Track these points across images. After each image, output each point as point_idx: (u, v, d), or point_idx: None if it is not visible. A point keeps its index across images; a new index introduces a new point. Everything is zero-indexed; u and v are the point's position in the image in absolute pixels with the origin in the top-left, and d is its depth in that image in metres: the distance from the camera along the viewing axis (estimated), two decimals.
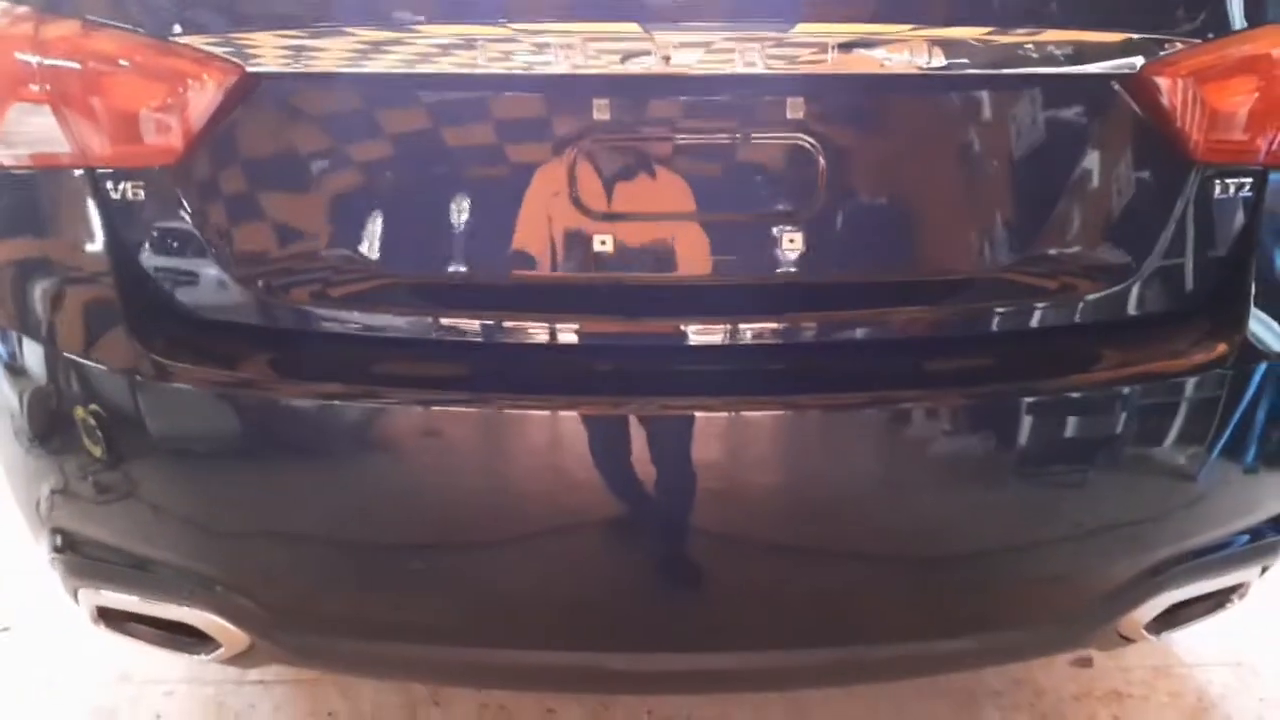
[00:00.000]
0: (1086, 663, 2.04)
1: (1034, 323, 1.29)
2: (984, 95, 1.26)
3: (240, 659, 1.39)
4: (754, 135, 1.24)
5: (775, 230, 1.25)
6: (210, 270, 1.26)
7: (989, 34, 1.21)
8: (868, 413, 1.23)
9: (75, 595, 1.43)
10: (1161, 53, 1.25)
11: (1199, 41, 1.27)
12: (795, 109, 1.22)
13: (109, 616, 1.43)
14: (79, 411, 1.29)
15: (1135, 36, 1.25)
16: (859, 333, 1.27)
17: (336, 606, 1.32)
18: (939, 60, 1.20)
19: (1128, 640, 1.45)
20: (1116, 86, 1.26)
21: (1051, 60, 1.23)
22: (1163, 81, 1.26)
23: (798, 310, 1.26)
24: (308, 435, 1.25)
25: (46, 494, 1.36)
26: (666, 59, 1.17)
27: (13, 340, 1.34)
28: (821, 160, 1.23)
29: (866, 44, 1.19)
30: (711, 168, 1.25)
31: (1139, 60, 1.25)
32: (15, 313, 1.32)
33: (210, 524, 1.29)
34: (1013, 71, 1.23)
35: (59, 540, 1.39)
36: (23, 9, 1.28)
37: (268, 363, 1.27)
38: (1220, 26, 1.28)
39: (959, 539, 1.27)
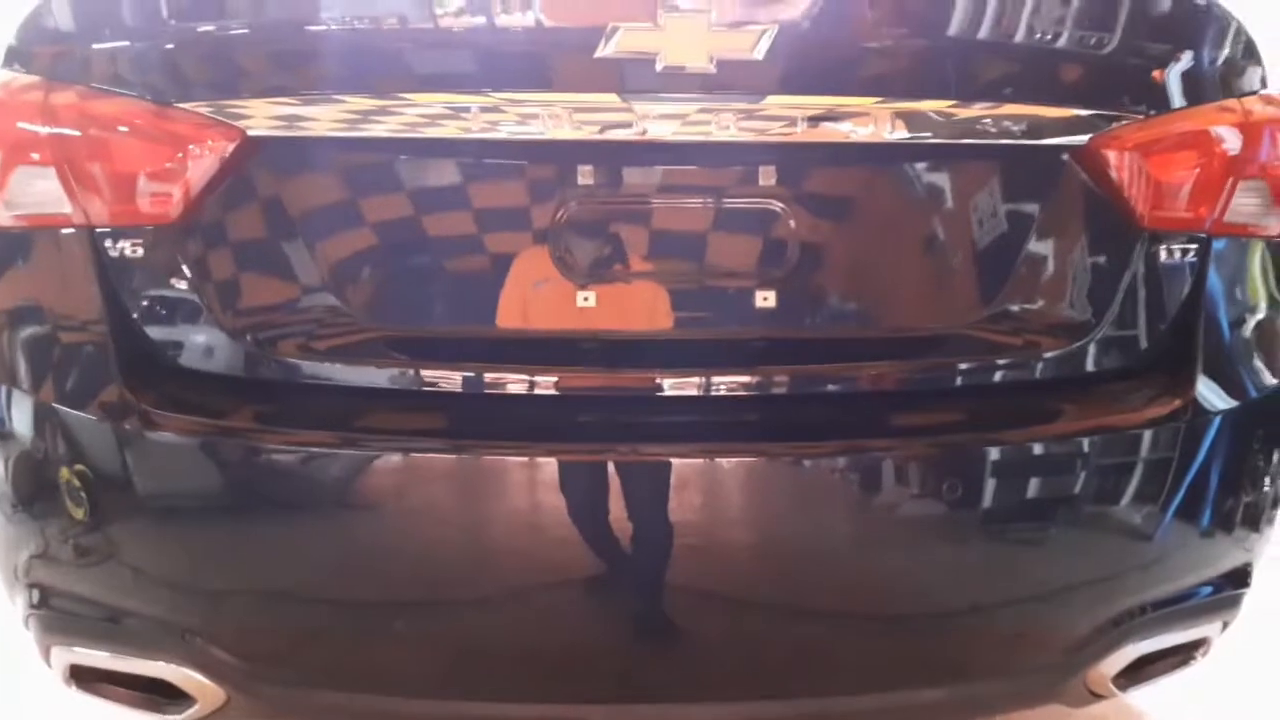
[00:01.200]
0: None
1: (995, 378, 1.36)
2: (946, 164, 1.34)
3: (214, 717, 1.37)
4: (727, 199, 1.31)
5: (749, 289, 1.31)
6: (204, 325, 1.29)
7: (951, 107, 1.30)
8: (837, 461, 1.27)
9: (48, 654, 1.42)
10: (1108, 127, 1.34)
11: (1143, 117, 1.36)
12: (767, 175, 1.30)
13: (81, 676, 1.42)
14: (66, 466, 1.30)
15: (1084, 112, 1.34)
16: (828, 386, 1.33)
17: (318, 658, 1.32)
18: (903, 131, 1.28)
19: (1097, 696, 1.47)
20: (1068, 158, 1.35)
21: (1007, 133, 1.32)
22: (1110, 154, 1.35)
23: (771, 364, 1.31)
24: (300, 487, 1.27)
25: (26, 554, 1.36)
26: (643, 130, 1.24)
27: (4, 396, 1.36)
28: (792, 223, 1.30)
29: (835, 116, 1.28)
30: (687, 230, 1.32)
31: (1087, 134, 1.34)
32: (8, 368, 1.34)
33: (193, 577, 1.30)
34: (972, 142, 1.31)
35: (35, 596, 1.38)
36: (31, 78, 1.34)
37: (259, 415, 1.29)
38: (1162, 104, 1.37)
39: (926, 590, 1.30)
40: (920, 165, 1.34)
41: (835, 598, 1.29)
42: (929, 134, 1.30)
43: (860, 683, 1.33)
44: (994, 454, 1.30)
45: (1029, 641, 1.36)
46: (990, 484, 1.30)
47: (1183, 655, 1.51)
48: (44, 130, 1.32)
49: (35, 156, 1.32)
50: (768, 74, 1.26)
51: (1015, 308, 1.36)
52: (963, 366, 1.35)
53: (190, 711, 1.37)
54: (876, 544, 1.29)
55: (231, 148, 1.27)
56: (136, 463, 1.28)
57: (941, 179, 1.35)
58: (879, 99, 1.28)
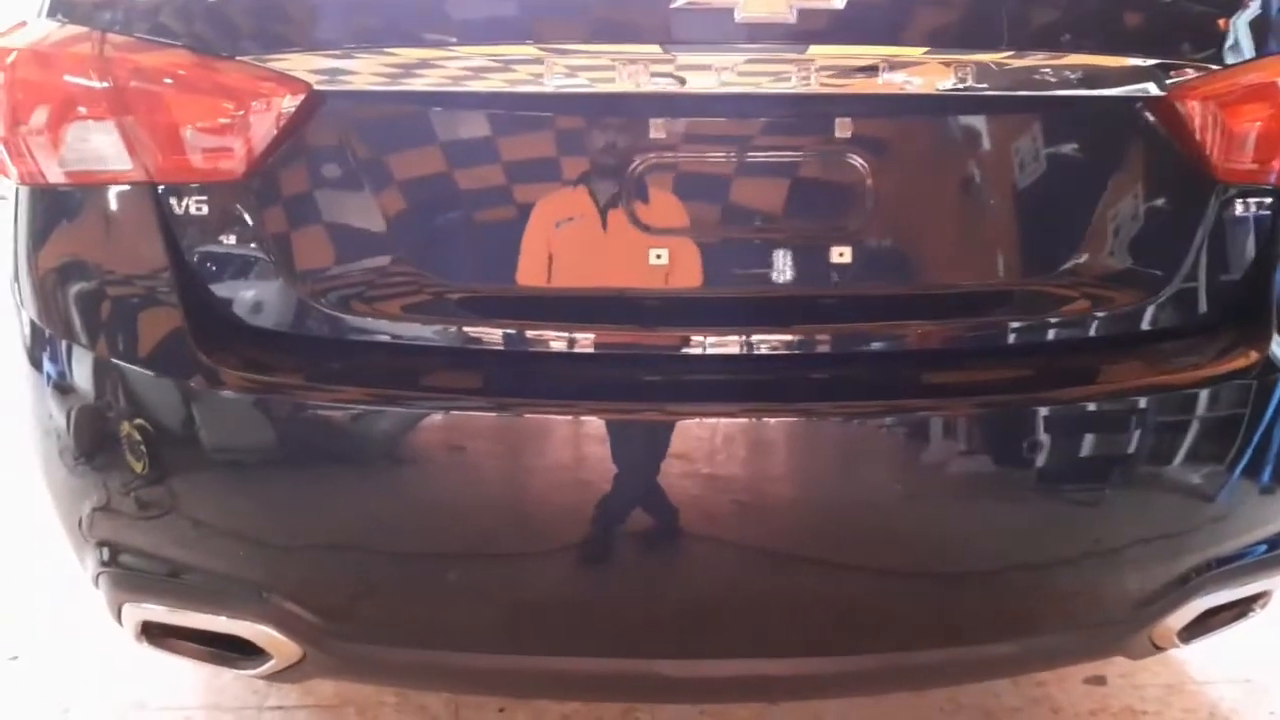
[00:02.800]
0: (1100, 680, 2.07)
1: (1068, 335, 1.35)
2: (1020, 116, 1.32)
3: (290, 672, 1.38)
4: (804, 154, 1.29)
5: (824, 244, 1.29)
6: (271, 282, 1.28)
7: (1025, 58, 1.28)
8: (919, 419, 1.27)
9: (119, 612, 1.42)
10: (1183, 78, 1.32)
11: (1218, 68, 1.34)
12: (844, 129, 1.28)
13: (153, 633, 1.43)
14: (137, 424, 1.30)
15: (1158, 63, 1.31)
16: (903, 343, 1.32)
17: (394, 615, 1.32)
18: (979, 83, 1.26)
19: (1159, 648, 1.48)
20: (1142, 110, 1.33)
21: (1082, 84, 1.29)
22: (1185, 105, 1.33)
23: (847, 321, 1.30)
24: (372, 443, 1.27)
25: (93, 509, 1.36)
26: (721, 82, 1.22)
27: (66, 354, 1.35)
28: (867, 177, 1.28)
29: (914, 67, 1.25)
30: (763, 185, 1.31)
31: (1164, 84, 1.31)
32: (75, 327, 1.33)
33: (266, 533, 1.30)
34: (1046, 94, 1.29)
35: (105, 554, 1.39)
36: (84, 28, 1.31)
37: (328, 372, 1.28)
38: (1236, 54, 1.35)
39: (1007, 548, 1.31)
40: (993, 118, 1.32)
41: (914, 555, 1.30)
42: (1003, 86, 1.27)
43: (935, 638, 1.34)
44: (1068, 411, 1.30)
45: (1105, 598, 1.37)
46: (1066, 442, 1.30)
47: (1242, 607, 1.52)
48: (100, 84, 1.29)
49: (91, 111, 1.30)
50: (849, 23, 1.23)
51: (1087, 263, 1.35)
52: (1036, 323, 1.34)
53: (265, 666, 1.38)
54: (955, 502, 1.29)
55: (298, 102, 1.24)
56: (209, 421, 1.28)
57: (1018, 132, 1.33)
58: (955, 50, 1.26)
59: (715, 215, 1.31)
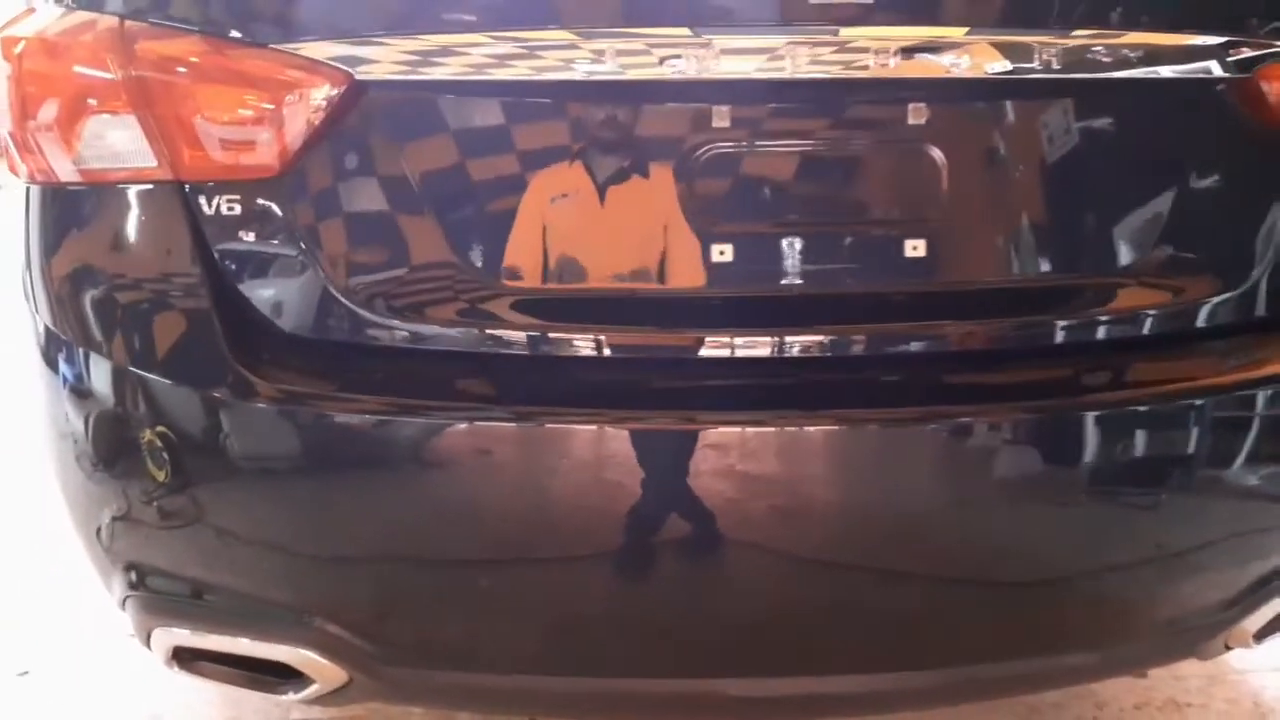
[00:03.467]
0: (1141, 673, 2.03)
1: (1148, 329, 1.28)
2: (1098, 100, 1.25)
3: (333, 696, 1.31)
4: (873, 141, 1.22)
5: (899, 239, 1.22)
6: (313, 287, 1.19)
7: (1105, 38, 1.20)
8: (1000, 425, 1.20)
9: (148, 637, 1.34)
10: (1270, 60, 1.25)
11: None
12: (914, 114, 1.20)
13: (184, 657, 1.35)
14: (168, 440, 1.21)
15: (1242, 42, 1.25)
16: (989, 341, 1.25)
17: (448, 637, 1.25)
18: (1055, 65, 1.19)
19: (1229, 649, 1.44)
20: (1226, 92, 1.26)
21: (1162, 63, 1.23)
22: (1273, 86, 1.26)
23: (920, 319, 1.23)
24: (421, 456, 1.19)
25: (121, 531, 1.28)
26: (797, 66, 1.14)
27: (86, 366, 1.26)
28: (945, 168, 1.21)
29: (987, 49, 1.18)
30: (835, 176, 1.23)
31: (1248, 67, 1.25)
32: (98, 338, 1.24)
33: (312, 554, 1.22)
34: (1128, 76, 1.22)
35: (134, 578, 1.30)
36: (99, 15, 1.22)
37: (374, 382, 1.20)
38: None
39: (1088, 556, 1.25)
40: (1070, 102, 1.25)
41: (1002, 566, 1.24)
42: (1081, 69, 1.20)
43: (1017, 650, 1.28)
44: (1157, 411, 1.23)
45: (1188, 604, 1.32)
46: (1155, 441, 1.24)
47: None
48: (119, 76, 1.20)
49: (110, 105, 1.21)
50: (921, 3, 1.16)
51: (1167, 255, 1.28)
52: (1118, 317, 1.28)
53: (307, 691, 1.30)
54: (1039, 510, 1.23)
55: (339, 93, 1.15)
56: (248, 436, 1.20)
57: (1093, 117, 1.25)
58: (1032, 31, 1.19)
59: (783, 210, 1.23)
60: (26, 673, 2.04)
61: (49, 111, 1.25)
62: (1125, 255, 1.27)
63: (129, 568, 1.30)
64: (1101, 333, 1.29)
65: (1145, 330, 1.28)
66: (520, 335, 1.21)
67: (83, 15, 1.24)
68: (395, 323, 1.20)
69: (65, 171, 1.25)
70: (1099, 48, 1.20)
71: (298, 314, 1.20)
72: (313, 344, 1.21)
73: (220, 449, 1.20)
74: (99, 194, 1.26)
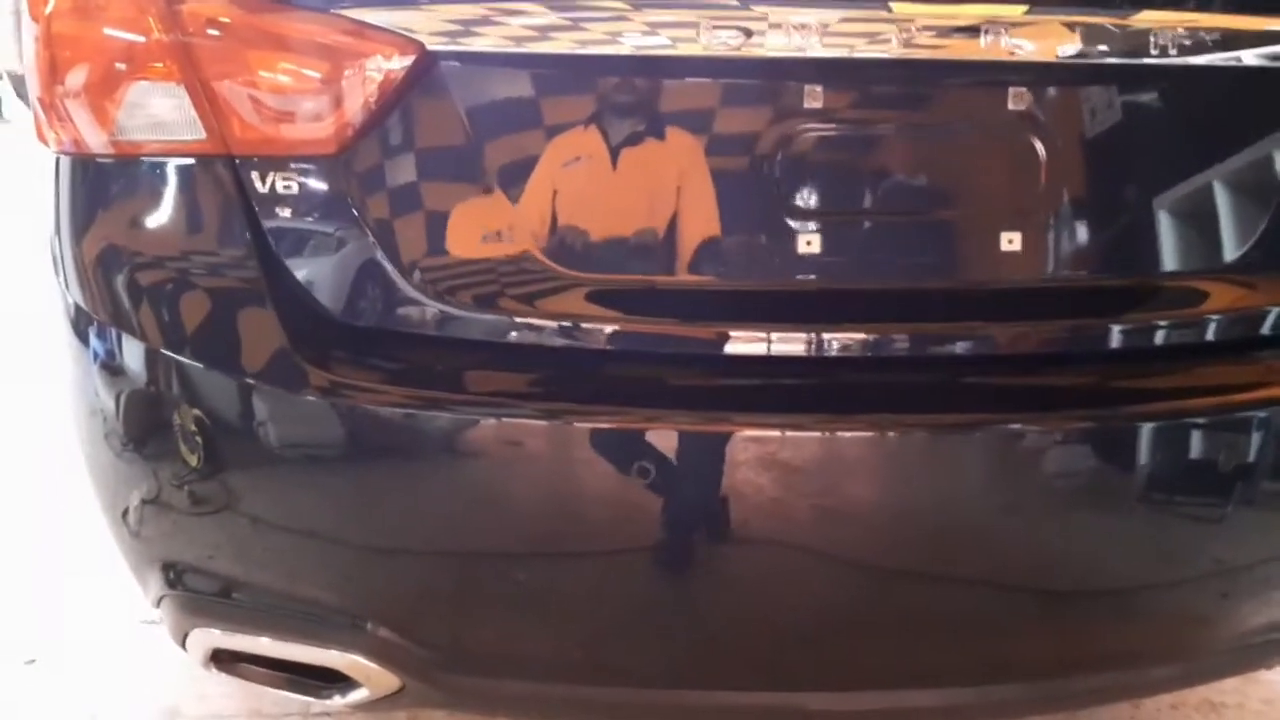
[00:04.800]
0: None
1: (1255, 332, 1.23)
2: (1210, 87, 1.19)
3: (383, 703, 1.25)
4: (973, 127, 1.15)
5: (996, 232, 1.15)
6: (375, 272, 1.11)
7: (1222, 20, 1.14)
8: (1098, 432, 1.14)
9: (184, 638, 1.27)
10: None
11: None
12: (1018, 99, 1.13)
13: (222, 658, 1.28)
14: (210, 430, 1.14)
15: None
16: (1091, 341, 1.19)
17: (513, 645, 1.19)
18: (1168, 49, 1.12)
19: None
20: None
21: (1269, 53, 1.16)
22: None
23: (1025, 318, 1.17)
24: (492, 457, 1.12)
25: (163, 530, 1.21)
26: (902, 42, 1.07)
27: (124, 348, 1.18)
28: (1047, 158, 1.14)
29: (1104, 32, 1.11)
30: (934, 164, 1.16)
31: None
32: (137, 318, 1.16)
33: (370, 557, 1.15)
34: (1243, 63, 1.16)
35: (171, 577, 1.23)
36: None
37: (439, 373, 1.13)
38: None
39: (1168, 566, 1.20)
40: (1181, 90, 1.18)
41: (1078, 578, 1.18)
42: (1195, 53, 1.14)
43: (1102, 663, 1.24)
44: (1234, 419, 1.17)
45: (1268, 615, 1.27)
46: (1238, 450, 1.19)
47: None
48: (165, 39, 1.11)
49: (154, 72, 1.12)
50: None
51: (1264, 253, 1.22)
52: (1225, 318, 1.22)
53: (354, 697, 1.24)
54: (1134, 520, 1.17)
55: (407, 65, 1.07)
56: (302, 432, 1.12)
57: (1204, 107, 1.19)
58: (1146, 11, 1.12)
59: (871, 199, 1.15)
60: (33, 661, 1.96)
61: (85, 77, 1.16)
62: (1225, 253, 1.22)
63: (167, 566, 1.23)
64: (1194, 334, 1.23)
65: (1256, 332, 1.22)
66: (599, 328, 1.14)
67: None
68: (463, 312, 1.12)
69: (100, 142, 1.16)
70: (1220, 32, 1.13)
71: (358, 303, 1.13)
72: (372, 332, 1.14)
73: (272, 441, 1.13)
74: (139, 167, 1.17)
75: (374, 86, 1.08)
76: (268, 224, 1.12)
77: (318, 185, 1.11)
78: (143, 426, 1.20)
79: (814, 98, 1.11)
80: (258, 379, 1.11)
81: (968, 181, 1.17)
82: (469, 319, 1.12)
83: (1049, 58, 1.12)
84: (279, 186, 1.11)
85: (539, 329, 1.13)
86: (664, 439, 1.09)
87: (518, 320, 1.13)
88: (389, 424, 1.10)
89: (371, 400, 1.09)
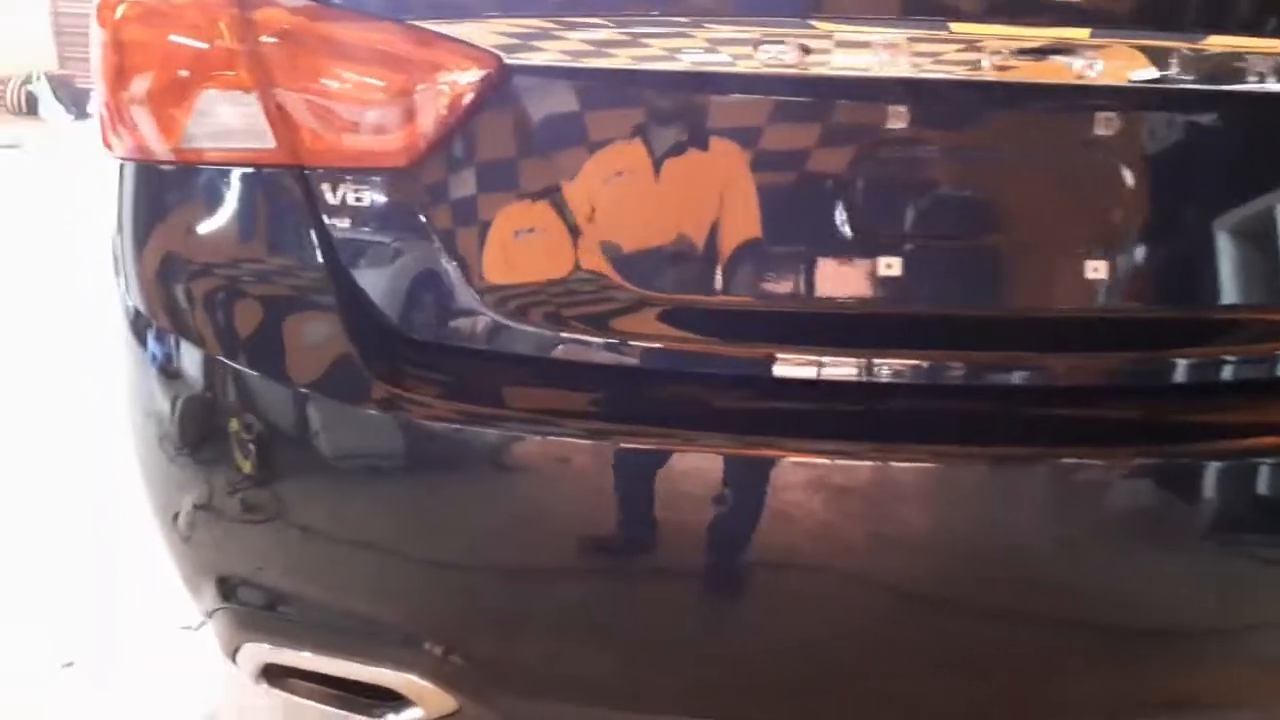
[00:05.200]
0: None
1: None
2: None
3: None
4: (1041, 152, 1.12)
5: (1079, 259, 1.12)
6: (444, 286, 1.10)
7: None
8: (1192, 470, 1.10)
9: (235, 652, 1.26)
10: None
11: None
12: (1086, 124, 1.10)
13: (273, 674, 1.27)
14: (278, 449, 1.12)
15: None
16: (1161, 374, 1.15)
17: (571, 668, 1.16)
18: (1259, 75, 1.09)
19: None
20: None
21: None
22: None
23: (1092, 348, 1.14)
24: (563, 477, 1.09)
25: (219, 542, 1.19)
26: (992, 66, 1.04)
27: (186, 357, 1.16)
28: (1134, 183, 1.11)
29: (1176, 55, 1.08)
30: (997, 187, 1.13)
31: None
32: (201, 327, 1.14)
33: (432, 575, 1.13)
34: None
35: (224, 589, 1.21)
36: None
37: (503, 390, 1.11)
38: None
39: (1259, 604, 1.16)
40: (1257, 117, 1.13)
41: (1157, 616, 1.15)
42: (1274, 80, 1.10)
43: (1169, 708, 1.20)
44: None
45: None
46: None
47: None
48: (238, 47, 1.10)
49: (224, 79, 1.11)
50: (1132, 6, 1.06)
51: None
52: None
53: (408, 716, 1.21)
54: (1211, 556, 1.13)
55: (484, 78, 1.05)
56: (370, 448, 1.10)
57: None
58: (1246, 37, 1.08)
59: (955, 223, 1.12)
60: (71, 664, 1.96)
61: (152, 84, 1.15)
62: None
63: (221, 579, 1.21)
64: (1267, 370, 1.19)
65: None
66: (673, 347, 1.11)
67: None
68: (532, 328, 1.10)
69: (165, 150, 1.15)
70: None
71: (423, 313, 1.11)
72: (438, 346, 1.12)
73: (336, 453, 1.11)
74: (205, 174, 1.16)
75: (448, 99, 1.06)
76: (336, 235, 1.10)
77: (388, 197, 1.09)
78: (203, 433, 1.19)
79: (884, 119, 1.08)
80: (323, 390, 1.09)
81: (1037, 207, 1.13)
82: (538, 335, 1.10)
83: (1119, 81, 1.08)
84: (348, 198, 1.09)
85: (609, 347, 1.11)
86: (743, 464, 1.07)
87: (585, 338, 1.11)
88: (453, 439, 1.08)
89: (436, 415, 1.07)
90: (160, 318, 1.16)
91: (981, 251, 1.13)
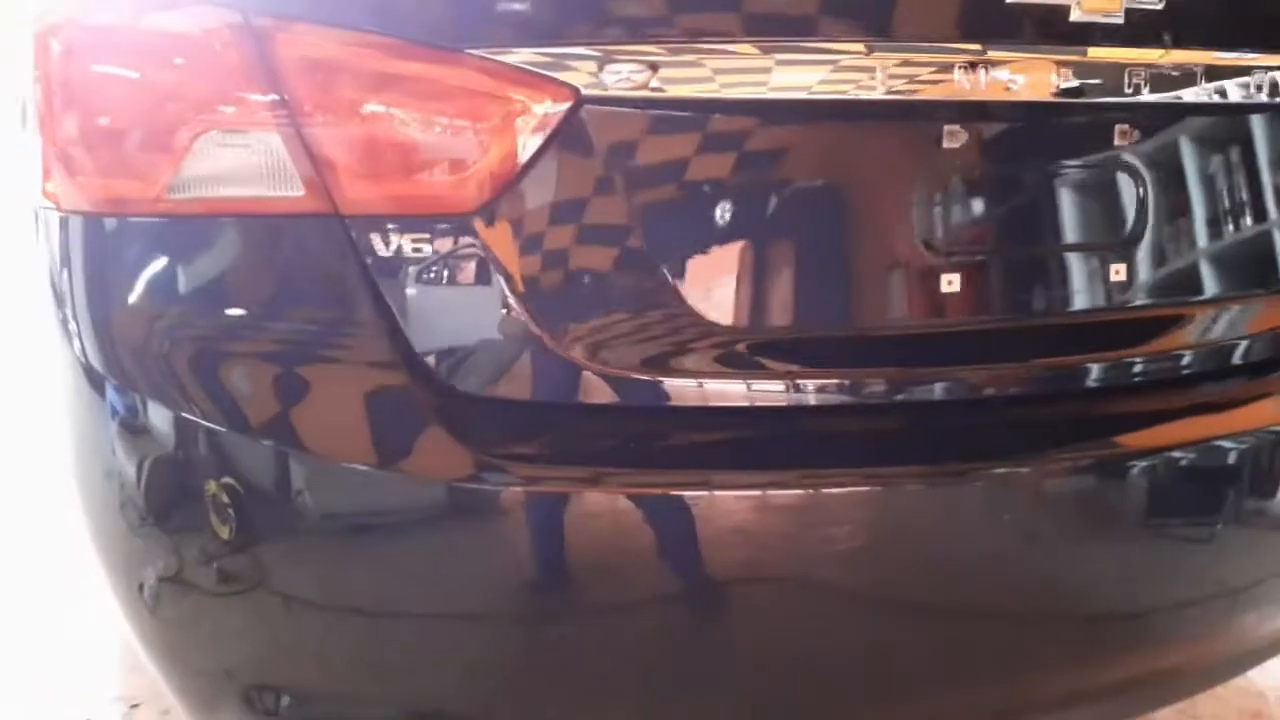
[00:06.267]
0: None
1: None
2: None
3: None
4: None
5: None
6: (530, 343, 0.98)
7: None
8: None
9: None
10: None
11: None
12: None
13: None
14: (356, 533, 0.99)
15: None
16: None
17: None
18: None
19: None
20: None
21: None
22: None
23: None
24: (684, 548, 0.99)
25: (262, 643, 1.04)
26: (1062, 87, 1.04)
27: (200, 443, 1.00)
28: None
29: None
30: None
31: None
32: (236, 410, 0.98)
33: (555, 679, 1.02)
34: None
35: (276, 701, 1.05)
36: (230, 12, 0.95)
37: (606, 454, 1.00)
38: None
39: None
40: None
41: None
42: None
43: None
44: None
45: None
46: None
47: None
48: (254, 79, 0.94)
49: (243, 118, 0.95)
50: (1187, 25, 1.08)
51: None
52: None
53: None
54: None
55: (560, 112, 0.95)
56: (472, 526, 0.98)
57: None
58: None
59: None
60: (137, 705, 1.80)
61: (130, 124, 0.98)
62: None
63: (263, 690, 1.05)
64: None
65: None
66: (768, 388, 1.05)
67: (219, 11, 0.96)
68: (630, 375, 1.00)
69: (159, 200, 0.98)
70: None
71: (507, 376, 0.99)
72: (530, 407, 1.00)
73: (439, 539, 0.99)
74: (198, 227, 1.00)
75: (519, 137, 0.95)
76: (387, 291, 0.97)
77: (450, 245, 0.97)
78: (260, 530, 1.02)
79: (984, 141, 1.07)
80: (405, 468, 0.96)
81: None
82: (638, 384, 1.01)
83: (1190, 99, 1.11)
84: (402, 248, 0.96)
85: (713, 391, 1.03)
86: (894, 494, 1.02)
87: (686, 383, 1.02)
88: (556, 513, 0.97)
89: (548, 482, 0.96)
90: (174, 403, 0.99)
91: (1067, 261, 1.13)
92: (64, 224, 1.06)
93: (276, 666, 1.05)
